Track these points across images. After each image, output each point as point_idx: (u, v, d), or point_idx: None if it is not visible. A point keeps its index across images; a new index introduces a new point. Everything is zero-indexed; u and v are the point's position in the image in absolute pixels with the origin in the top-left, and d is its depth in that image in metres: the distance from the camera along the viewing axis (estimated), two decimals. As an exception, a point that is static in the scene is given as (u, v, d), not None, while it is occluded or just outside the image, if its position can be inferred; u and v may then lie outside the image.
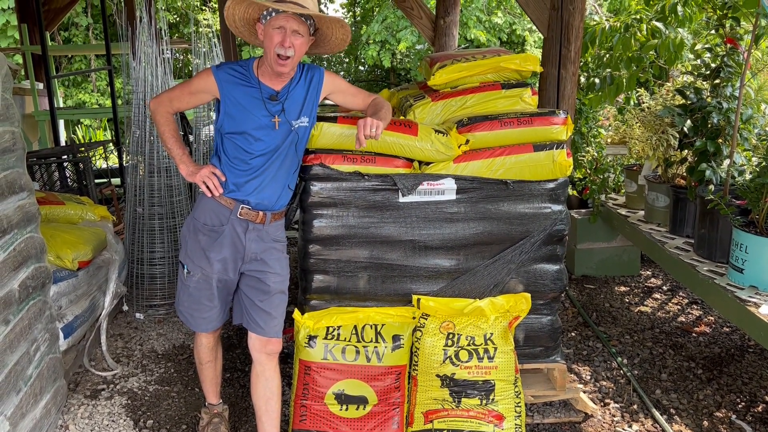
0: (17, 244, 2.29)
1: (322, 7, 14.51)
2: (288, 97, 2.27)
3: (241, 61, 2.31)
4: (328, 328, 2.56)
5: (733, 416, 2.83)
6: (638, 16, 4.15)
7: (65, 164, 5.51)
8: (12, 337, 2.20)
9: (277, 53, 2.13)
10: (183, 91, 2.31)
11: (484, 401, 2.51)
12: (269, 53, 2.16)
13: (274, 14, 2.12)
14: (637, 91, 4.52)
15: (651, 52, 4.02)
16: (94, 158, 6.36)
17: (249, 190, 2.28)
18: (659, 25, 3.95)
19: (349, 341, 2.55)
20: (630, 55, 4.09)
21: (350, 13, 14.92)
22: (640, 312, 3.93)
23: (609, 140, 5.02)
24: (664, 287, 4.33)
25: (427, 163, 2.59)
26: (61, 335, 2.85)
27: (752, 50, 3.23)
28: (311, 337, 2.54)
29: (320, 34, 2.30)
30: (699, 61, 3.70)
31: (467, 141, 2.56)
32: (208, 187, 2.25)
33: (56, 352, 2.62)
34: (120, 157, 6.81)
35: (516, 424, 2.50)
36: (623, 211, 4.19)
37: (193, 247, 2.32)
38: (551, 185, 2.62)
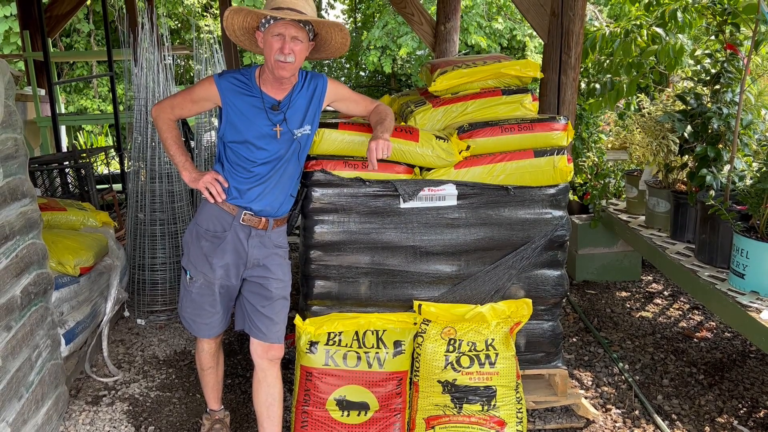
0: (19, 251, 2.29)
1: (322, 12, 14.56)
2: (290, 106, 2.28)
3: (243, 69, 2.31)
4: (329, 333, 2.56)
5: (735, 422, 2.82)
6: (638, 22, 4.16)
7: (67, 170, 5.52)
8: (14, 344, 2.20)
9: (277, 59, 2.14)
10: (185, 98, 2.32)
11: (486, 407, 2.51)
12: (269, 60, 2.16)
13: (272, 21, 2.13)
14: (638, 97, 4.54)
15: (651, 58, 4.03)
16: (95, 164, 6.37)
17: (252, 197, 2.29)
18: (659, 30, 3.96)
19: (351, 347, 2.55)
20: (630, 60, 4.11)
21: (351, 19, 14.96)
22: (641, 317, 3.93)
23: (609, 145, 5.03)
24: (665, 292, 4.33)
25: (428, 169, 2.60)
26: (63, 341, 2.85)
27: (752, 56, 3.24)
28: (312, 343, 2.54)
29: (320, 39, 2.31)
30: (699, 66, 3.71)
31: (468, 147, 2.57)
32: (211, 193, 2.26)
33: (58, 358, 2.62)
34: (121, 163, 6.83)
35: (518, 430, 2.50)
36: (624, 217, 4.19)
37: (195, 253, 2.33)
38: (552, 191, 2.63)
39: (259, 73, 2.27)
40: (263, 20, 2.16)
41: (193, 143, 4.70)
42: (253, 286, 2.36)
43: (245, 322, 2.40)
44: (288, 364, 3.11)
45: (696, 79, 3.75)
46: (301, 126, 2.30)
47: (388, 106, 2.55)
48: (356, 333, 2.57)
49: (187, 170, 2.30)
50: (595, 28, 4.39)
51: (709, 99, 3.57)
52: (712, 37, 3.65)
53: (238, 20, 2.22)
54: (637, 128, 3.99)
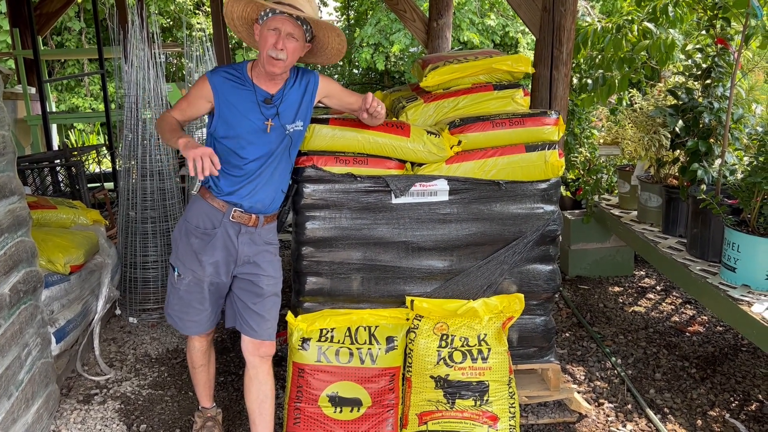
0: (8, 248, 2.27)
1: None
2: (283, 101, 2.26)
3: (234, 64, 2.31)
4: (321, 330, 2.55)
5: (727, 415, 2.84)
6: (630, 17, 4.17)
7: (58, 169, 5.49)
8: (3, 342, 2.18)
9: (270, 54, 2.13)
10: (181, 102, 2.31)
11: (479, 402, 2.51)
12: (262, 53, 2.16)
13: (270, 15, 2.13)
14: (629, 92, 4.54)
15: (642, 53, 4.04)
16: (86, 162, 6.34)
17: (243, 194, 2.27)
18: (650, 26, 3.97)
19: (343, 343, 2.54)
20: (622, 56, 4.11)
21: (344, 17, 14.93)
22: (633, 312, 3.94)
23: (601, 141, 5.04)
24: (657, 287, 4.34)
25: (420, 165, 2.59)
26: (53, 340, 2.83)
27: (742, 50, 3.24)
28: (304, 340, 2.53)
29: (317, 42, 2.31)
30: (690, 61, 3.72)
31: (459, 142, 2.56)
32: (197, 166, 1.99)
33: (48, 356, 2.60)
34: (113, 161, 6.79)
35: (510, 425, 2.50)
36: (616, 212, 4.20)
37: (184, 250, 2.31)
38: (543, 186, 2.63)
39: (251, 67, 2.26)
40: (262, 12, 2.16)
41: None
42: (243, 283, 2.35)
43: (236, 320, 2.39)
44: (280, 362, 3.10)
45: (687, 73, 3.76)
46: (294, 121, 2.30)
47: (380, 100, 2.54)
48: (348, 329, 2.56)
49: (183, 138, 2.10)
50: (586, 24, 4.39)
51: (700, 93, 3.58)
52: (703, 32, 3.66)
53: (237, 9, 2.21)
54: (628, 123, 4.00)
